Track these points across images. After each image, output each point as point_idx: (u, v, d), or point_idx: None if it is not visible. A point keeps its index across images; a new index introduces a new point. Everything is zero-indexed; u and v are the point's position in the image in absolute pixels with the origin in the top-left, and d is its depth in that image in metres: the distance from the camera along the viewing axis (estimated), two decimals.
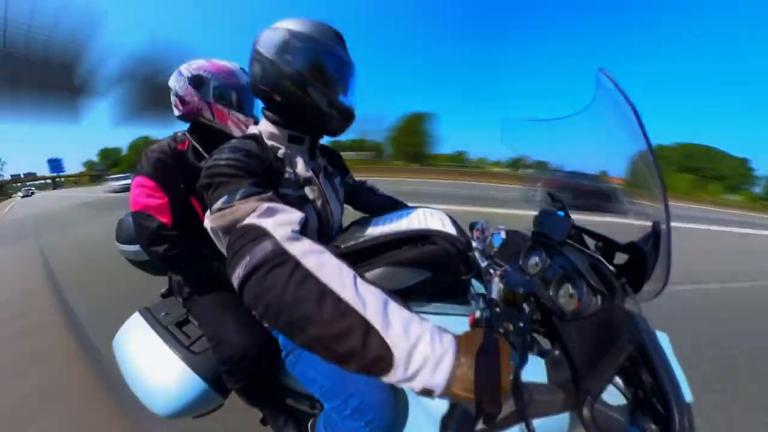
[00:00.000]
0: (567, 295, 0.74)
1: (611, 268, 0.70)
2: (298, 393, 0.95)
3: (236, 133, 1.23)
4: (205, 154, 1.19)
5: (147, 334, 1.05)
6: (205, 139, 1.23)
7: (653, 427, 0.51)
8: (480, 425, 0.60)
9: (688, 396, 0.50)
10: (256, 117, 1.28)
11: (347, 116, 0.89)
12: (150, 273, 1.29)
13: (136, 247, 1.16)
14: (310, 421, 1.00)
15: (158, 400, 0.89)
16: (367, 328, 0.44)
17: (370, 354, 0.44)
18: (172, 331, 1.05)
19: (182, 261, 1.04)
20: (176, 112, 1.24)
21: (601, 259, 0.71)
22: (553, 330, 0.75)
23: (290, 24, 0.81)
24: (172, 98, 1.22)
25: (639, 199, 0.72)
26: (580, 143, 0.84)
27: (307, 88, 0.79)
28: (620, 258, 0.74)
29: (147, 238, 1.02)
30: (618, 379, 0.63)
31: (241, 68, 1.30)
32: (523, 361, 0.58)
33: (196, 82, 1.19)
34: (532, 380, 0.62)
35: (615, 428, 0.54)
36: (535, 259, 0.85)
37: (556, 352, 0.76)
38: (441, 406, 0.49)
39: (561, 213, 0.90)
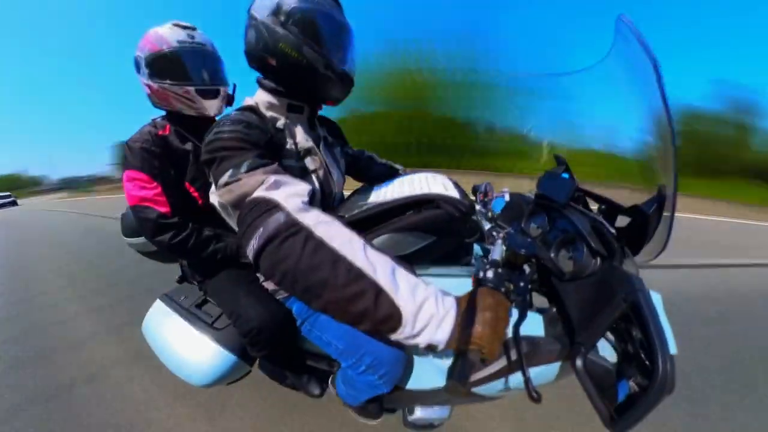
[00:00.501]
0: (567, 256, 0.76)
1: (612, 230, 0.71)
2: (316, 354, 1.02)
3: (186, 111, 1.12)
4: (188, 136, 1.14)
5: (171, 318, 1.10)
6: (182, 121, 1.15)
7: (639, 378, 0.55)
8: (481, 373, 0.65)
9: (672, 348, 0.54)
10: (210, 83, 1.13)
11: (345, 80, 0.85)
12: (163, 262, 1.32)
13: (142, 239, 1.17)
14: (330, 378, 1.09)
15: (194, 374, 0.97)
16: (378, 291, 0.48)
17: (380, 314, 0.48)
18: (194, 312, 1.10)
19: (188, 247, 1.04)
20: (150, 100, 1.15)
21: (603, 221, 0.72)
22: (552, 289, 0.78)
23: None
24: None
25: (649, 162, 0.71)
26: (595, 99, 0.80)
27: (303, 49, 0.76)
28: (622, 222, 0.75)
29: (150, 229, 1.02)
30: (610, 336, 0.67)
31: (179, 24, 1.11)
32: (522, 318, 0.61)
33: (136, 66, 1.09)
34: (531, 334, 0.66)
35: (605, 378, 0.58)
36: (537, 222, 0.86)
37: (554, 310, 0.80)
38: (445, 359, 0.53)
39: (565, 175, 0.89)
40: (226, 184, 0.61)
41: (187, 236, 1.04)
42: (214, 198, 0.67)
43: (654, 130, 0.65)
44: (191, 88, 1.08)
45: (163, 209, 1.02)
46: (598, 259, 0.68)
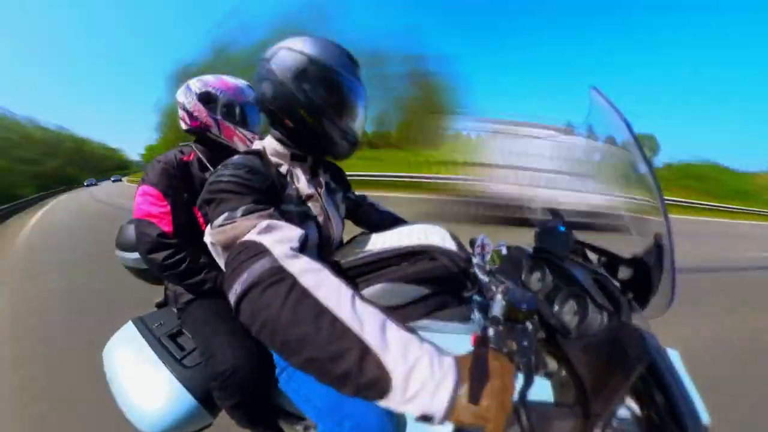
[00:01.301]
0: (571, 312, 0.72)
1: (616, 283, 0.68)
2: (291, 413, 0.91)
3: (241, 148, 1.26)
4: (210, 167, 1.24)
5: (138, 345, 1.02)
6: (210, 153, 1.28)
7: None
8: None
9: (705, 418, 0.48)
10: (261, 133, 1.31)
11: (355, 144, 0.90)
12: (147, 282, 1.29)
13: (134, 255, 1.17)
14: None
15: (145, 416, 0.85)
16: (364, 350, 0.43)
17: (366, 376, 0.42)
18: (164, 343, 1.03)
19: (180, 270, 1.05)
20: (183, 126, 1.29)
21: (605, 274, 0.70)
22: (558, 349, 0.73)
23: (307, 47, 0.79)
24: (180, 112, 1.27)
25: (639, 213, 0.71)
26: (574, 161, 0.84)
27: (322, 119, 0.80)
28: (625, 273, 0.73)
29: (147, 245, 1.04)
30: (629, 400, 0.61)
31: (248, 85, 1.34)
32: (528, 383, 0.56)
33: (205, 98, 1.24)
34: (538, 401, 0.60)
35: None
36: (537, 275, 0.84)
37: (563, 372, 0.74)
38: (442, 430, 0.47)
39: (562, 228, 0.89)
40: (221, 225, 0.62)
41: (181, 259, 1.05)
42: (208, 237, 0.66)
43: (636, 181, 0.66)
44: (254, 135, 1.29)
45: (166, 228, 1.06)
46: (605, 315, 0.64)
